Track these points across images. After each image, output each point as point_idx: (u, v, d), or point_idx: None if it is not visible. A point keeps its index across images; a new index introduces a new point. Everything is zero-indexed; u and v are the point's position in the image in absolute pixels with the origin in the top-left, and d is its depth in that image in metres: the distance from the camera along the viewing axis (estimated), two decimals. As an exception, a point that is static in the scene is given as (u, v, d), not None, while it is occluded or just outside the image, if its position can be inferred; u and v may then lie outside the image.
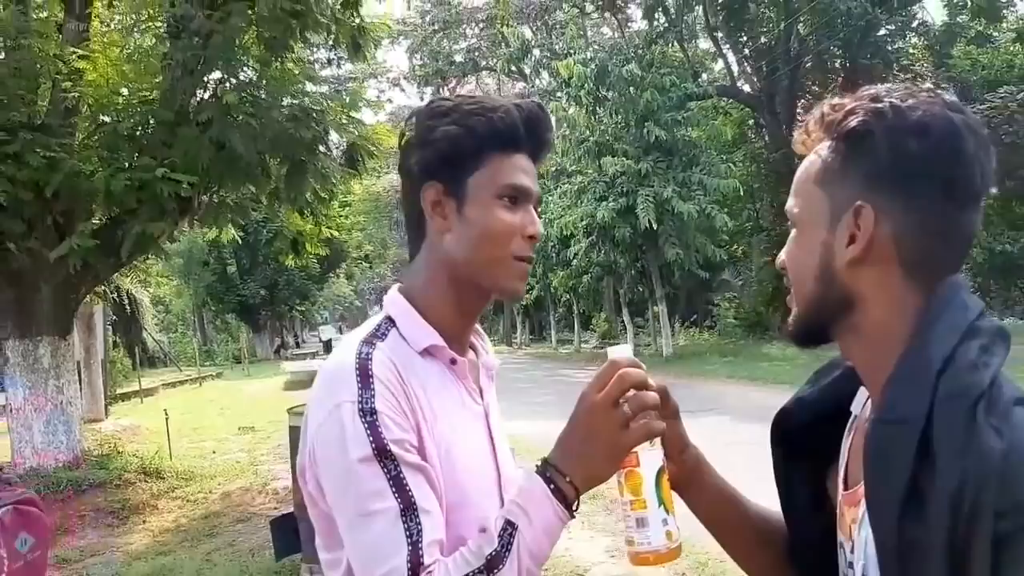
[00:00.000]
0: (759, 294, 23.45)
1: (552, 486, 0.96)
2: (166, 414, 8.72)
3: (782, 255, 0.96)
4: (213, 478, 7.97)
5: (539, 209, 1.13)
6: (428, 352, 1.07)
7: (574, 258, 20.66)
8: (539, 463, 0.99)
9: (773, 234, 22.05)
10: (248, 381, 21.71)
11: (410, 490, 0.94)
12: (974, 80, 20.51)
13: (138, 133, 7.21)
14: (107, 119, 7.22)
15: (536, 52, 27.22)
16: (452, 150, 1.04)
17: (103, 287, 10.63)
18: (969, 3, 23.02)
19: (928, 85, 0.87)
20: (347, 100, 8.32)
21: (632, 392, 0.95)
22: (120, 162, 6.90)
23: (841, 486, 0.94)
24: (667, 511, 0.96)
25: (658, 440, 0.97)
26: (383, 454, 0.94)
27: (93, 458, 8.05)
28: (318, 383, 1.03)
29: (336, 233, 12.26)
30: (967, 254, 0.89)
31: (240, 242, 12.53)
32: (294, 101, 7.50)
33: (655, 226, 16.87)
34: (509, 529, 0.94)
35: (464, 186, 1.05)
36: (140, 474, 7.68)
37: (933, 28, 24.07)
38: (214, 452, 9.74)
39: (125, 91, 7.25)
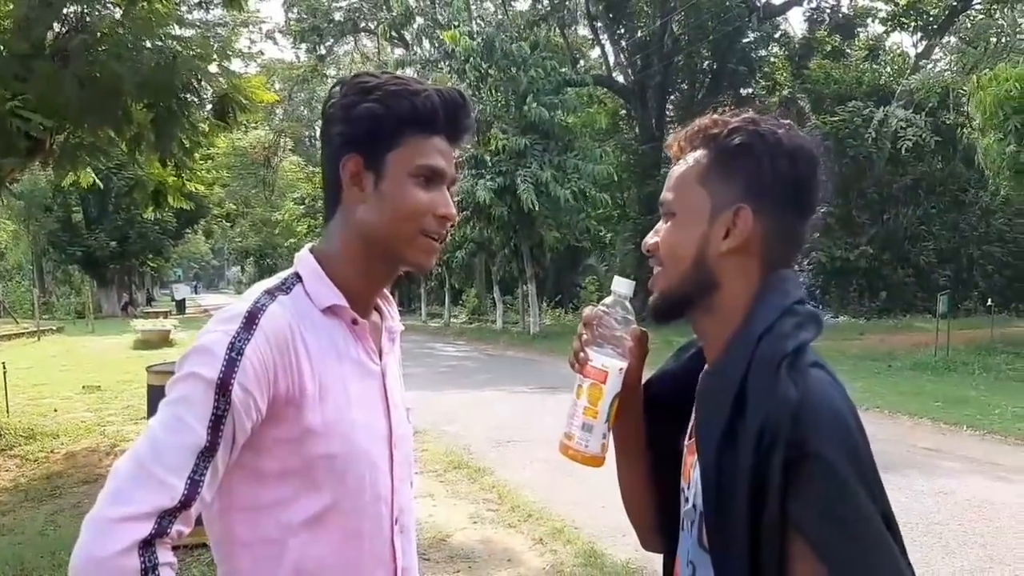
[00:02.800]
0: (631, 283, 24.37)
1: None
2: (3, 367, 8.11)
3: (652, 240, 1.10)
4: (56, 437, 7.50)
5: (453, 191, 1.20)
6: (331, 311, 1.13)
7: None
8: None
9: (638, 222, 22.95)
10: (93, 338, 20.38)
11: (220, 439, 0.98)
12: (826, 92, 22.00)
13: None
14: (-47, 45, 6.57)
15: (419, 20, 26.83)
16: (373, 127, 1.11)
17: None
18: (827, 19, 24.72)
19: (787, 121, 1.07)
20: (216, 47, 7.91)
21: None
22: (-35, 93, 6.31)
23: (686, 438, 1.12)
24: (609, 429, 1.10)
25: (624, 371, 1.11)
26: (223, 389, 0.98)
27: (-85, 411, 7.41)
28: (213, 318, 1.08)
29: (200, 187, 11.71)
30: (798, 253, 1.10)
31: (89, 189, 11.74)
32: (161, 43, 7.08)
33: (533, 207, 17.14)
34: None
35: (382, 162, 1.11)
36: (-28, 430, 7.15)
37: (794, 40, 25.68)
38: (56, 410, 9.14)
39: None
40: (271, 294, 1.09)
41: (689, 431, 1.11)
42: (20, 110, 5.96)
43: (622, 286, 1.13)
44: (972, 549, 4.59)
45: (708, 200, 1.03)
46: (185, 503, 0.95)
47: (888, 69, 23.69)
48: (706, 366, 1.08)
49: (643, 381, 1.19)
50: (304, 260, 1.16)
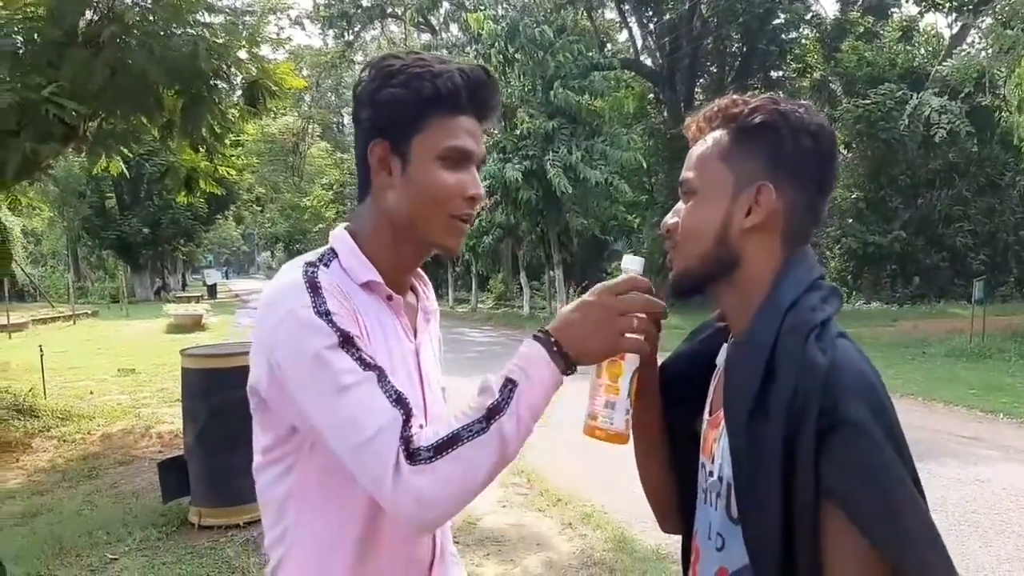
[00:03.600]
0: (649, 265, 24.20)
1: (550, 350, 1.05)
2: (41, 350, 8.28)
3: (672, 220, 1.11)
4: (92, 419, 7.65)
5: (481, 169, 1.20)
6: (366, 286, 1.15)
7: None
8: (539, 331, 1.08)
9: (666, 207, 22.72)
10: (127, 322, 20.73)
11: (378, 364, 1.03)
12: (859, 75, 21.59)
13: (21, 51, 6.70)
14: (-13, 34, 6.67)
15: (446, 4, 26.73)
16: (397, 112, 1.11)
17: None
18: (860, 0, 24.22)
19: (806, 101, 1.08)
20: (245, 34, 7.96)
21: (641, 312, 1.07)
22: (2, 81, 6.41)
23: (706, 415, 1.13)
24: (632, 404, 1.10)
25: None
26: (347, 341, 1.02)
27: (-43, 393, 7.60)
28: (265, 300, 1.09)
29: (231, 172, 11.82)
30: (815, 229, 1.11)
31: (118, 176, 11.90)
32: (192, 31, 7.13)
33: (566, 190, 17.05)
34: (509, 385, 1.02)
35: (408, 146, 1.12)
36: (12, 411, 7.31)
37: (826, 21, 25.18)
38: (92, 393, 9.32)
39: (4, 9, 6.70)
40: (314, 265, 1.11)
41: (709, 407, 1.14)
42: (55, 97, 6.04)
43: (633, 263, 1.13)
44: (1009, 539, 4.51)
45: (730, 178, 1.04)
46: (407, 413, 1.00)
47: (922, 51, 23.17)
48: (731, 337, 1.10)
49: (658, 364, 1.21)
50: (340, 237, 1.18)
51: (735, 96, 1.08)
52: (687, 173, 1.08)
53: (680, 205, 1.10)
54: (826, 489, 0.89)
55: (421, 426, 1.01)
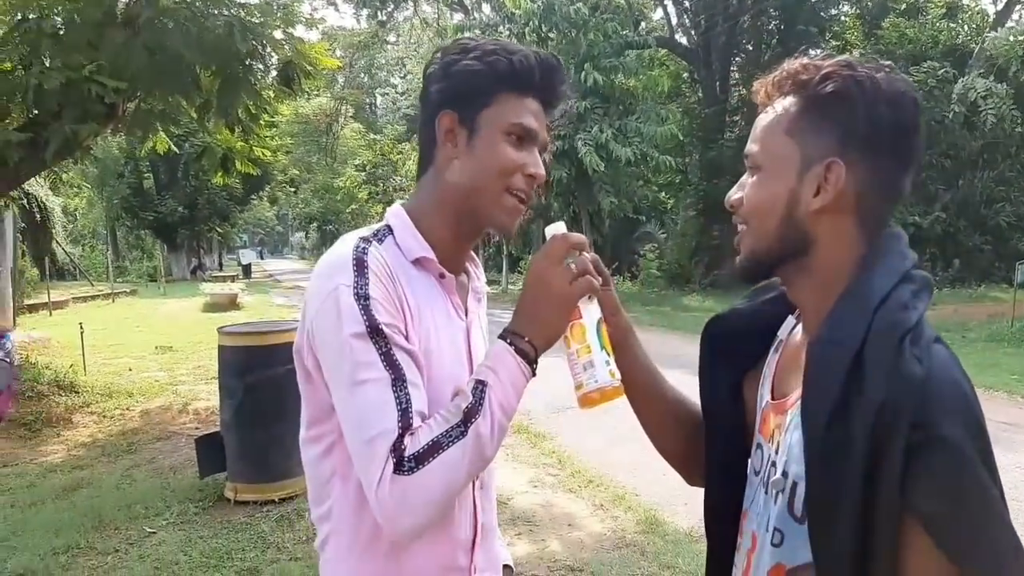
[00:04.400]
0: (682, 247, 23.99)
1: (513, 346, 1.08)
2: (81, 328, 8.46)
3: (736, 195, 1.04)
4: (131, 395, 7.81)
5: (544, 155, 1.21)
6: (419, 263, 1.16)
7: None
8: (504, 329, 1.11)
9: (701, 188, 22.50)
10: (164, 300, 21.08)
11: (400, 365, 1.05)
12: (900, 53, 21.03)
13: (61, 32, 6.79)
14: (29, 16, 6.77)
15: (479, -17, 26.58)
16: (470, 83, 1.13)
17: (16, 192, 10.08)
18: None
19: (887, 62, 0.98)
20: (280, 14, 7.98)
21: (575, 253, 1.09)
22: (42, 62, 6.51)
23: (767, 396, 1.08)
24: (608, 354, 1.09)
25: (595, 298, 1.11)
26: (376, 332, 1.04)
27: (2, 368, 7.77)
28: (317, 271, 1.11)
29: (266, 153, 11.92)
30: (895, 208, 1.04)
31: (160, 155, 12.06)
32: (228, 12, 7.17)
33: (596, 169, 16.93)
34: (480, 387, 1.05)
35: (476, 119, 1.13)
36: (53, 387, 7.47)
37: (866, -2, 24.60)
38: (130, 369, 9.51)
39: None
40: (367, 241, 1.13)
41: (771, 385, 1.08)
42: (96, 76, 6.13)
43: (555, 228, 1.13)
44: (1050, 527, 4.42)
45: (797, 152, 0.97)
46: (404, 428, 1.02)
47: (965, 28, 22.52)
48: (798, 320, 1.05)
49: (709, 318, 1.19)
50: (396, 213, 1.20)
51: (806, 60, 0.99)
52: (751, 146, 1.01)
53: (746, 178, 1.04)
54: (912, 507, 0.84)
55: (413, 431, 1.03)
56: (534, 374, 1.10)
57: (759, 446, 1.08)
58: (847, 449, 0.86)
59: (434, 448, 1.00)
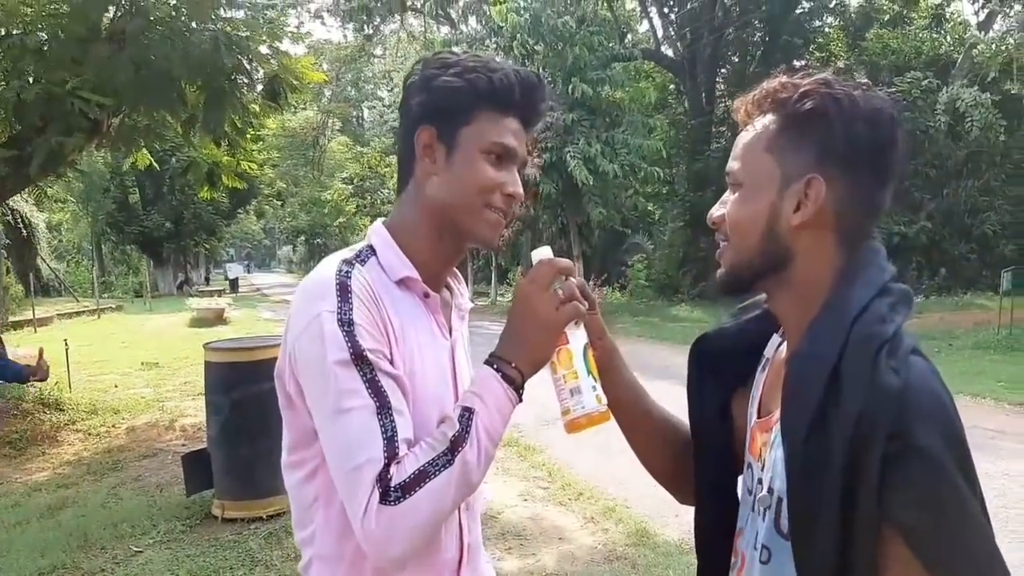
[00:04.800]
0: (670, 258, 24.08)
1: (500, 372, 1.07)
2: (66, 344, 8.37)
3: (718, 212, 1.05)
4: (117, 412, 7.74)
5: (523, 173, 1.20)
6: (403, 283, 1.15)
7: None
8: (490, 354, 1.10)
9: (687, 199, 22.60)
10: (150, 316, 20.95)
11: (385, 392, 1.04)
12: (883, 64, 21.28)
13: (45, 48, 6.76)
14: (13, 32, 6.74)
15: (465, -3, 26.70)
16: (449, 100, 1.12)
17: (1, 208, 10.02)
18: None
19: (863, 79, 1.00)
20: (266, 29, 7.99)
21: (561, 278, 1.09)
22: (25, 77, 6.49)
23: (755, 415, 1.08)
24: (595, 379, 1.10)
25: (582, 323, 1.11)
26: (360, 359, 1.03)
27: (-15, 386, 7.69)
28: (299, 296, 1.10)
29: (252, 167, 11.90)
30: (876, 223, 1.04)
31: (145, 170, 12.02)
32: (214, 27, 7.16)
33: (586, 182, 16.98)
34: (467, 414, 1.04)
35: (456, 135, 1.13)
36: (38, 405, 7.40)
37: (850, 9, 24.83)
38: (116, 386, 9.43)
39: (33, 4, 6.77)
40: (350, 263, 1.11)
41: (757, 403, 1.09)
42: (79, 91, 6.10)
43: (541, 253, 1.13)
44: (1039, 534, 4.43)
45: (777, 169, 0.98)
46: (390, 457, 1.01)
47: (948, 39, 22.80)
48: (783, 336, 1.06)
49: (697, 337, 1.19)
50: (377, 232, 1.19)
51: (785, 78, 1.00)
52: (732, 163, 1.02)
53: (727, 195, 1.04)
54: (890, 517, 0.85)
55: (399, 459, 1.02)
56: (520, 400, 1.09)
57: (749, 465, 1.08)
58: (826, 462, 0.87)
59: (420, 477, 1.00)
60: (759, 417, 1.07)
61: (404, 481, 0.99)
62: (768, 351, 1.12)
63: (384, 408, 1.02)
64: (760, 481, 1.03)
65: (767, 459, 1.02)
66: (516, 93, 1.13)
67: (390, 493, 0.98)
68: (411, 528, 0.99)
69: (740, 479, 1.12)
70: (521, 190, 1.16)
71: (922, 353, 0.91)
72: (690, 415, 1.19)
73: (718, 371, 1.16)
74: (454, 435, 1.02)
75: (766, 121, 0.99)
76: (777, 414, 0.99)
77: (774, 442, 0.99)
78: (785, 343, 1.08)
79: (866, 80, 0.99)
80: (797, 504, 0.91)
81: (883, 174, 0.97)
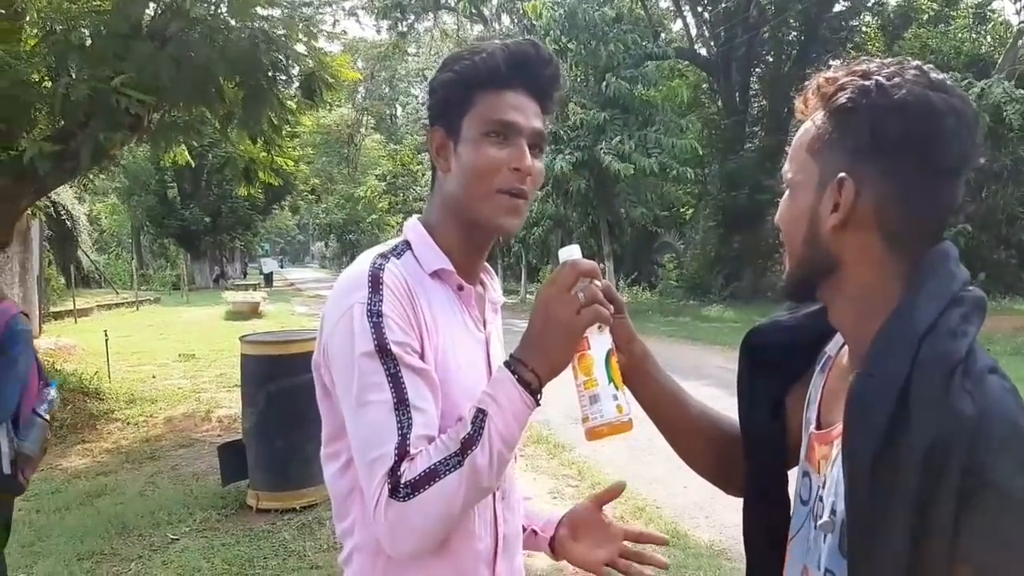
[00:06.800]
0: (702, 258, 23.90)
1: (517, 375, 1.06)
2: (106, 335, 8.56)
3: (778, 215, 1.02)
4: (155, 402, 7.90)
5: (543, 147, 1.19)
6: (437, 275, 1.17)
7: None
8: (509, 355, 1.09)
9: (720, 200, 22.41)
10: (187, 308, 21.28)
11: (405, 387, 1.04)
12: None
13: (89, 44, 6.91)
14: (57, 27, 6.90)
15: (498, -6, 26.68)
16: (446, 95, 1.15)
17: (43, 200, 10.25)
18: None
19: (918, 62, 0.92)
20: (301, 27, 8.08)
21: (584, 281, 1.06)
22: (69, 73, 6.64)
23: (813, 420, 1.04)
24: (616, 388, 1.07)
25: (607, 328, 1.08)
26: (384, 352, 1.04)
27: (28, 375, 7.88)
28: (335, 289, 1.13)
29: (288, 163, 12.06)
30: (947, 223, 0.96)
31: (184, 166, 12.23)
32: (253, 25, 7.26)
33: (623, 177, 16.88)
34: (480, 416, 1.04)
35: (459, 127, 1.14)
36: (78, 393, 7.57)
37: (888, 8, 24.40)
38: (154, 377, 9.62)
39: (72, 3, 6.92)
40: (385, 257, 1.13)
41: (816, 413, 1.04)
42: (123, 88, 6.23)
43: (567, 253, 1.11)
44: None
45: (816, 170, 0.93)
46: (402, 454, 1.01)
47: (988, 39, 22.30)
48: (853, 365, 0.96)
49: (749, 329, 1.14)
50: (412, 227, 1.21)
51: (830, 72, 0.94)
52: (785, 164, 0.99)
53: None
54: (963, 553, 0.79)
55: (411, 457, 1.02)
56: (538, 403, 1.07)
57: (806, 474, 1.03)
58: (893, 491, 0.81)
59: (430, 476, 1.00)
60: (818, 427, 1.02)
61: (414, 479, 1.00)
62: (831, 348, 1.07)
63: (402, 403, 1.03)
64: (821, 499, 0.98)
65: (827, 475, 0.96)
66: (503, 68, 1.12)
67: (399, 489, 0.99)
68: (418, 525, 1.00)
69: (793, 480, 1.08)
70: (528, 161, 1.13)
71: (1000, 371, 0.85)
72: (740, 412, 1.14)
73: (772, 366, 1.11)
74: (465, 436, 1.02)
75: (815, 119, 0.95)
76: (838, 428, 0.93)
77: (835, 460, 0.93)
78: (847, 347, 1.02)
79: (920, 64, 0.91)
80: (857, 531, 0.86)
81: (928, 168, 0.88)
